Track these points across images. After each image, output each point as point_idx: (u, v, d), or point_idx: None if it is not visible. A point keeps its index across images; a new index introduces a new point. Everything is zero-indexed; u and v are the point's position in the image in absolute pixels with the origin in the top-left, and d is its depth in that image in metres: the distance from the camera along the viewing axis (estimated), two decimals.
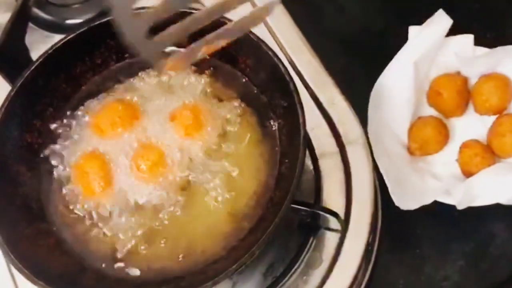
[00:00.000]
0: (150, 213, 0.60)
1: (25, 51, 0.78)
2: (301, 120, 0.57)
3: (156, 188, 0.60)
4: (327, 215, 0.66)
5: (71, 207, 0.62)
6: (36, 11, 0.85)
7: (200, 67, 0.67)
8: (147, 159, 0.60)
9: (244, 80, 0.67)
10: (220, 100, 0.66)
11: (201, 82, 0.66)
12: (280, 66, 0.60)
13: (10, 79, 0.71)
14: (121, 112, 0.63)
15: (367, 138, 0.75)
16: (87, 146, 0.63)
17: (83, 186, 0.61)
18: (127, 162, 0.61)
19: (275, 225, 0.53)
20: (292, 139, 0.59)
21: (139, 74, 0.68)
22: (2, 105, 0.62)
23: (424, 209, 0.74)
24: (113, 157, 0.62)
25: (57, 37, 0.84)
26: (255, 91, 0.67)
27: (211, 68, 0.67)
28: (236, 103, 0.65)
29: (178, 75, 0.67)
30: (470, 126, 0.81)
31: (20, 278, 0.66)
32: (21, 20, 0.78)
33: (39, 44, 0.84)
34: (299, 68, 0.78)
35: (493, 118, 0.80)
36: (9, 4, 0.88)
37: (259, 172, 0.62)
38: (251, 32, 0.63)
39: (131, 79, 0.68)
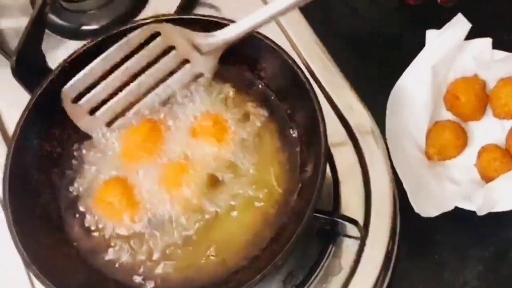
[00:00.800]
0: (171, 228, 0.60)
1: (42, 57, 0.78)
2: (321, 129, 0.57)
3: (179, 204, 0.59)
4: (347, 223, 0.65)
5: (89, 220, 0.62)
6: (51, 17, 0.85)
7: (218, 75, 0.67)
8: (172, 177, 0.60)
9: (262, 87, 0.67)
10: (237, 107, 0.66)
11: (219, 90, 0.66)
12: (300, 73, 0.60)
13: (27, 85, 0.71)
14: (147, 135, 0.63)
15: (386, 143, 0.74)
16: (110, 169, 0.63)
17: (106, 215, 0.61)
18: (152, 182, 0.61)
19: (297, 235, 0.53)
20: (313, 147, 0.58)
21: None
22: (23, 113, 0.62)
23: (442, 215, 0.73)
24: (136, 179, 0.62)
25: (72, 43, 0.86)
26: (273, 98, 0.66)
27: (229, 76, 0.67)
28: (255, 111, 0.65)
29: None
30: (489, 130, 0.81)
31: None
32: (37, 27, 0.77)
33: (55, 50, 0.84)
34: (316, 73, 0.77)
35: (511, 122, 0.79)
36: (24, 10, 0.89)
37: (279, 181, 0.61)
38: (269, 39, 0.63)
39: None
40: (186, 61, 0.63)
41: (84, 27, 0.87)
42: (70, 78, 0.65)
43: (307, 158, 0.61)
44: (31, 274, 0.65)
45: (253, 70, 0.67)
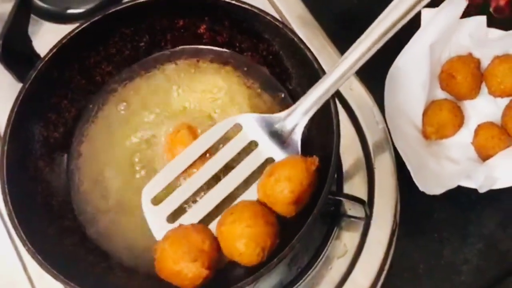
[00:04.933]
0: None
1: (28, 42, 0.75)
2: (333, 110, 0.56)
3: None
4: (353, 202, 0.64)
5: (92, 203, 0.60)
6: (36, 1, 0.82)
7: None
8: None
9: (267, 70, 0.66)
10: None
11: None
12: (308, 53, 0.59)
13: (14, 70, 0.68)
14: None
15: (386, 123, 0.74)
16: None
17: None
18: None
19: (313, 217, 0.52)
20: (324, 130, 0.57)
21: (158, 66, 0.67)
22: (17, 98, 0.59)
23: (440, 193, 0.73)
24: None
25: (58, 27, 0.83)
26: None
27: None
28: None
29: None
30: (484, 108, 0.81)
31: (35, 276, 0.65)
32: (23, 11, 0.74)
33: (40, 34, 0.81)
34: (315, 53, 0.76)
35: (506, 100, 0.80)
36: None
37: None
38: (272, 16, 0.62)
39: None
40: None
41: (70, 11, 0.84)
42: (65, 61, 0.62)
43: (318, 140, 0.60)
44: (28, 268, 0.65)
45: (257, 51, 0.65)
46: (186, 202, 0.57)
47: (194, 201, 0.58)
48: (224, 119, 0.60)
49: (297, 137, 0.57)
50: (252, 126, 0.58)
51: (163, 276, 0.52)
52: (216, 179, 0.57)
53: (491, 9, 0.49)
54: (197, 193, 0.57)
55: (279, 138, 0.57)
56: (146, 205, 0.56)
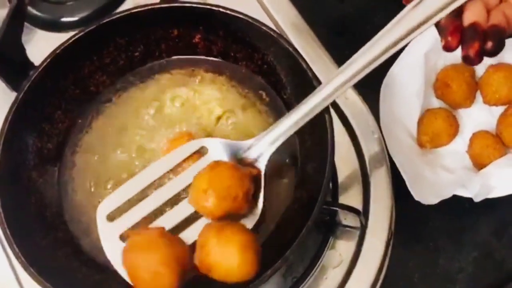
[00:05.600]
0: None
1: (22, 51, 0.74)
2: (327, 120, 0.55)
3: None
4: (348, 212, 0.64)
5: (86, 214, 0.60)
6: (30, 9, 0.82)
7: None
8: None
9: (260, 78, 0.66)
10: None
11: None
12: (302, 62, 0.59)
13: (7, 79, 0.67)
14: None
15: (381, 131, 0.74)
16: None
17: None
18: None
19: (307, 228, 0.52)
20: (318, 139, 0.57)
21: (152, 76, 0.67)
22: (10, 108, 0.59)
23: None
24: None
25: (52, 35, 0.82)
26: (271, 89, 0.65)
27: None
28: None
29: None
30: (479, 117, 0.81)
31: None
32: (17, 19, 0.74)
33: (34, 42, 0.81)
34: (309, 62, 0.76)
35: (501, 108, 0.80)
36: (1, 2, 0.85)
37: (282, 173, 0.60)
38: (267, 26, 0.62)
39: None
40: None
41: (64, 19, 0.84)
42: (60, 70, 0.62)
43: (312, 150, 0.60)
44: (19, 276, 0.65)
45: (252, 60, 0.65)
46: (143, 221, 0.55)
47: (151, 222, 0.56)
48: (220, 128, 0.59)
49: (261, 166, 0.55)
50: (218, 150, 0.56)
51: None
52: (176, 199, 0.56)
53: (461, 57, 0.48)
54: (155, 212, 0.56)
55: (244, 165, 0.56)
56: (100, 221, 0.55)
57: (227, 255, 0.50)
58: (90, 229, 0.59)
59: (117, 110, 0.66)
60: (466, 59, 0.48)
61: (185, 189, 0.55)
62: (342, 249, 0.68)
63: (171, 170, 0.57)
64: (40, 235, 0.57)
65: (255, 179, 0.54)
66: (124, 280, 0.54)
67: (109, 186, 0.62)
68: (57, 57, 0.61)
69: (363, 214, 0.67)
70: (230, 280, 0.50)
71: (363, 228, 0.67)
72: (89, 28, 0.62)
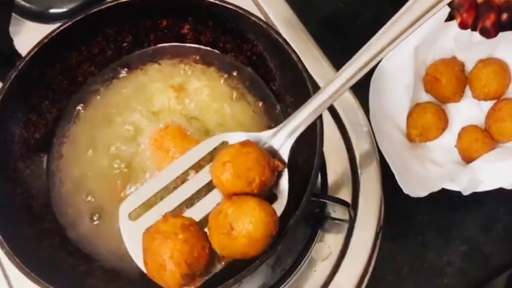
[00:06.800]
0: None
1: (10, 42, 0.74)
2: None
3: None
4: (338, 205, 0.64)
5: (73, 205, 0.59)
6: (18, 0, 0.81)
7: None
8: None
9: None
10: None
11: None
12: (292, 54, 0.59)
13: None
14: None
15: (370, 125, 0.74)
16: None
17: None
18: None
19: (295, 218, 0.51)
20: (308, 131, 0.57)
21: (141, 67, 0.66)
22: None
23: (424, 196, 0.73)
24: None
25: (40, 26, 0.82)
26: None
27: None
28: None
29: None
30: (468, 111, 0.82)
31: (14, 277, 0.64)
32: (4, 10, 0.73)
33: (22, 34, 0.80)
34: (300, 55, 0.76)
35: (489, 103, 0.80)
36: None
37: None
38: (260, 19, 0.61)
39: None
40: None
41: (52, 10, 0.83)
42: (47, 60, 0.62)
43: (301, 142, 0.59)
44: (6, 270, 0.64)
45: (241, 51, 0.65)
46: None
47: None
48: (208, 119, 0.58)
49: (284, 157, 0.54)
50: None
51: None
52: (198, 195, 0.54)
53: (477, 31, 0.49)
54: (177, 209, 0.54)
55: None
56: (123, 220, 0.53)
57: (247, 210, 0.48)
58: (77, 221, 0.59)
59: (105, 100, 0.65)
60: (483, 31, 0.49)
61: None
62: (331, 242, 0.67)
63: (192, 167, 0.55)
64: (26, 225, 0.56)
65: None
66: (110, 271, 0.54)
67: (96, 177, 0.61)
68: (44, 47, 0.60)
69: (352, 207, 0.67)
70: (252, 244, 0.48)
71: (352, 221, 0.67)
72: (77, 18, 0.61)
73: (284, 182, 0.53)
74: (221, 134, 0.56)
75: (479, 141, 0.76)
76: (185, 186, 0.54)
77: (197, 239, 0.49)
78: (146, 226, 0.51)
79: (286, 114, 0.63)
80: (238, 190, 0.50)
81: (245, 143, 0.52)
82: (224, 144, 0.55)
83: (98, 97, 0.65)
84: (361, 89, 0.77)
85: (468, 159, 0.77)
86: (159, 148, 0.61)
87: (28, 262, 0.52)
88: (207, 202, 0.52)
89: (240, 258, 0.49)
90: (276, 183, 0.53)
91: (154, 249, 0.48)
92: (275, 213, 0.49)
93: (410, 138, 0.79)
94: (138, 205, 0.53)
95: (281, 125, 0.54)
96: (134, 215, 0.53)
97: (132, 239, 0.52)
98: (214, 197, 0.52)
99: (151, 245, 0.48)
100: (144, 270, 0.50)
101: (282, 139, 0.54)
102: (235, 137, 0.55)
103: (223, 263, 0.50)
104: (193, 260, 0.48)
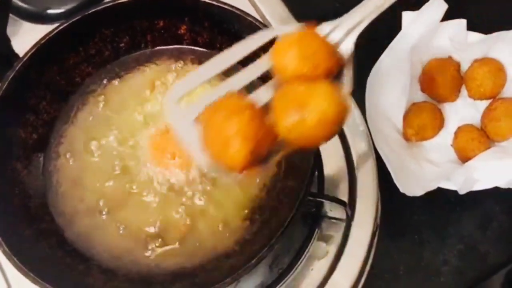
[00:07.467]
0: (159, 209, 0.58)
1: (7, 42, 0.74)
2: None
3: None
4: (335, 204, 0.65)
5: (70, 205, 0.60)
6: (15, 0, 0.81)
7: None
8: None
9: None
10: None
11: None
12: None
13: None
14: None
15: (367, 124, 0.74)
16: None
17: None
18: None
19: (292, 217, 0.52)
20: None
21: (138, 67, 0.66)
22: None
23: (421, 195, 0.74)
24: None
25: (37, 27, 0.82)
26: None
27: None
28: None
29: None
30: (464, 111, 0.82)
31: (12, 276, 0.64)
32: (1, 10, 0.74)
33: (20, 34, 0.80)
34: None
35: (485, 102, 0.81)
36: None
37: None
38: (251, 16, 0.61)
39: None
40: None
41: (49, 11, 0.83)
42: (44, 61, 0.62)
43: None
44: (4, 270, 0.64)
45: None
46: None
47: None
48: None
49: (348, 49, 0.48)
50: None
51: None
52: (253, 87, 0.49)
53: None
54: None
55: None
56: (170, 107, 0.48)
57: (321, 88, 0.43)
58: (74, 220, 0.59)
59: (103, 101, 0.65)
60: None
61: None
62: (328, 241, 0.68)
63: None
64: (24, 225, 0.57)
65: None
66: (108, 270, 0.54)
67: (94, 178, 0.61)
68: (42, 48, 0.61)
69: (349, 206, 0.67)
70: (323, 126, 0.43)
71: (349, 220, 0.67)
72: (74, 18, 0.62)
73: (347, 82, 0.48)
74: (272, 28, 0.53)
75: (475, 140, 0.77)
76: (239, 75, 0.49)
77: (262, 120, 0.44)
78: (199, 111, 0.46)
79: None
80: (301, 73, 0.45)
81: (307, 31, 0.47)
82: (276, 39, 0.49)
83: (95, 98, 0.65)
84: (358, 88, 0.77)
85: (464, 158, 0.77)
86: (157, 148, 0.61)
87: (26, 262, 0.52)
88: (266, 90, 0.47)
89: (303, 146, 0.44)
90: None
91: (217, 126, 0.43)
92: (346, 101, 0.44)
93: (406, 137, 0.80)
94: (186, 92, 0.49)
95: (336, 21, 0.49)
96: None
97: (183, 125, 0.47)
98: (273, 86, 0.47)
99: (214, 121, 0.43)
100: (199, 157, 0.45)
101: (341, 35, 0.48)
102: (286, 31, 0.49)
103: (281, 154, 0.45)
104: (260, 139, 0.43)
